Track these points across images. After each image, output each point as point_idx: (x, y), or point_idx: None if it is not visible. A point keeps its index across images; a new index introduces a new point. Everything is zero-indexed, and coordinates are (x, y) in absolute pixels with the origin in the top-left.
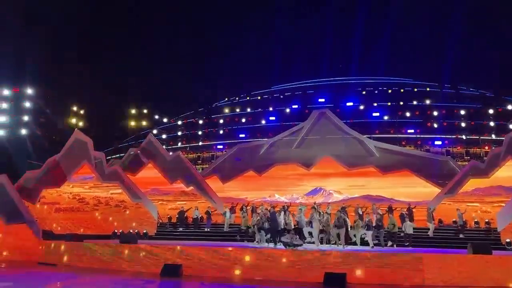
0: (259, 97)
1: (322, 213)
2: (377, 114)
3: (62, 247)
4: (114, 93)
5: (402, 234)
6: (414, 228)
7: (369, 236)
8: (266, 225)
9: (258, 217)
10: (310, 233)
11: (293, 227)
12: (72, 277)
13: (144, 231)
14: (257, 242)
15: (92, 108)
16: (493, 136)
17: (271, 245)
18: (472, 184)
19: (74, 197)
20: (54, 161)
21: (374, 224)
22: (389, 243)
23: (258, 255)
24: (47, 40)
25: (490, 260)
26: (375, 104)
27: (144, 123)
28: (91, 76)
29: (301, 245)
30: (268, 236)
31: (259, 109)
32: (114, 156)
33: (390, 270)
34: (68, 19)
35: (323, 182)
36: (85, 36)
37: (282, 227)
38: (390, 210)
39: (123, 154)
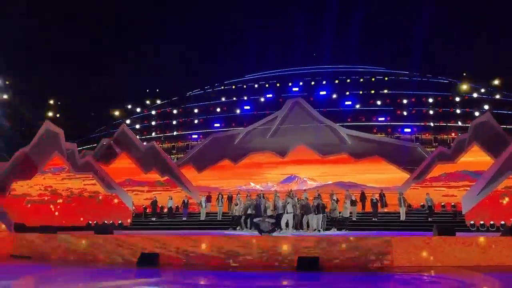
0: (233, 86)
1: (298, 200)
2: (349, 102)
3: (36, 239)
4: (86, 84)
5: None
6: (386, 213)
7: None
8: (250, 211)
9: (244, 205)
10: (287, 223)
11: (270, 213)
12: (47, 269)
13: (119, 222)
14: (239, 228)
15: (64, 98)
16: (460, 123)
17: (246, 232)
18: (439, 169)
19: (46, 189)
20: (23, 154)
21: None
22: (333, 228)
23: (235, 241)
24: (14, 31)
25: (453, 241)
26: (348, 93)
27: (116, 113)
28: (62, 67)
29: (274, 231)
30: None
31: (233, 98)
32: (85, 147)
33: (361, 252)
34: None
35: (297, 170)
36: (52, 23)
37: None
38: (363, 196)
39: (95, 145)
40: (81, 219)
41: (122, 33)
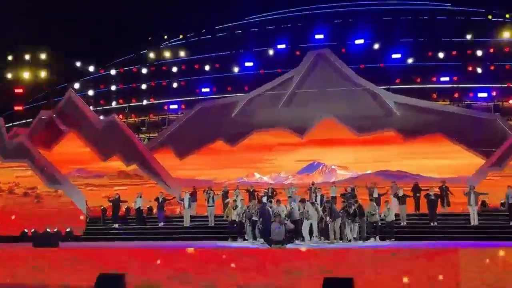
0: (228, 34)
1: (322, 198)
2: (398, 55)
3: None
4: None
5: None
6: (450, 214)
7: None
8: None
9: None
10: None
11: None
12: None
13: (68, 230)
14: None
15: None
16: None
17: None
18: None
19: None
20: None
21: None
22: (373, 238)
23: (233, 257)
24: None
25: None
26: (396, 41)
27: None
28: None
29: (291, 241)
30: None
31: (229, 51)
32: (16, 123)
33: (413, 271)
34: None
35: (322, 154)
36: None
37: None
38: (417, 190)
39: (31, 120)
40: (12, 218)
41: None
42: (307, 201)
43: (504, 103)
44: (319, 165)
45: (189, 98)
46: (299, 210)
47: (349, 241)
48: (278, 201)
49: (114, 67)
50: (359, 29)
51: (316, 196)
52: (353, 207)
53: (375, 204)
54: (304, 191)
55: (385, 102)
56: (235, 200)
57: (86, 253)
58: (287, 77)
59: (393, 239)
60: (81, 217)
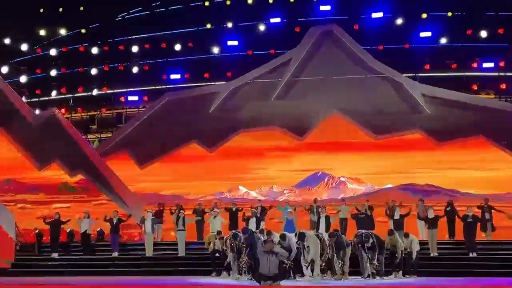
0: (206, 3)
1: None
2: (428, 34)
3: None
4: None
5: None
6: (494, 243)
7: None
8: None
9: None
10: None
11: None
12: None
13: None
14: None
15: None
16: None
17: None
18: None
19: None
20: None
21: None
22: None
23: None
24: None
25: None
26: (424, 16)
27: None
28: None
29: (286, 276)
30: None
31: (207, 26)
32: None
33: None
34: None
35: (328, 162)
36: None
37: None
38: (451, 211)
39: None
40: None
41: None
42: (311, 233)
43: None
44: (324, 176)
45: (153, 87)
46: (297, 244)
47: (368, 276)
48: (269, 233)
49: (55, 45)
50: None
51: (319, 218)
52: (370, 240)
53: (397, 237)
54: (303, 211)
55: (411, 94)
56: (219, 232)
57: None
58: (282, 61)
59: (415, 275)
60: (9, 244)
